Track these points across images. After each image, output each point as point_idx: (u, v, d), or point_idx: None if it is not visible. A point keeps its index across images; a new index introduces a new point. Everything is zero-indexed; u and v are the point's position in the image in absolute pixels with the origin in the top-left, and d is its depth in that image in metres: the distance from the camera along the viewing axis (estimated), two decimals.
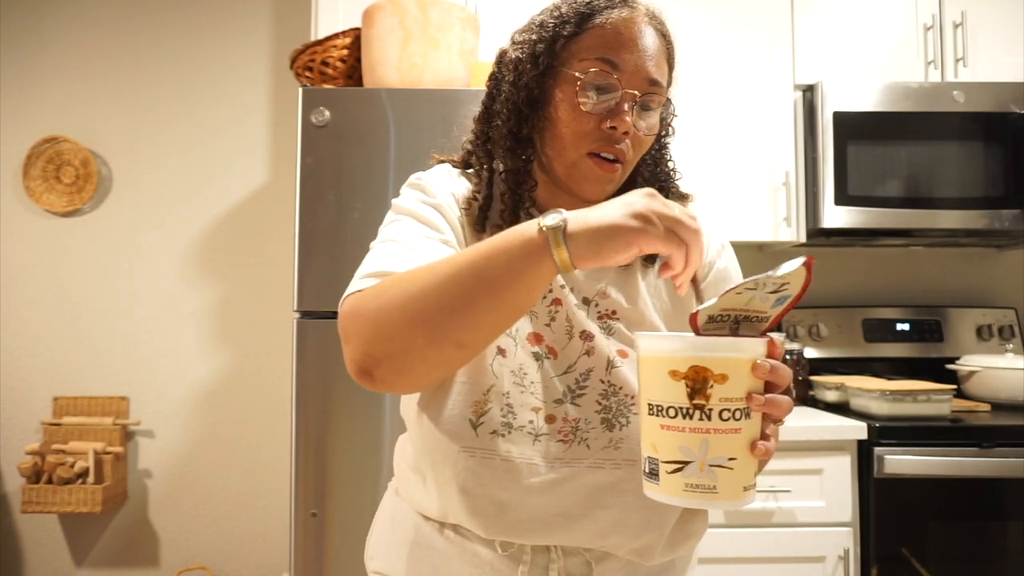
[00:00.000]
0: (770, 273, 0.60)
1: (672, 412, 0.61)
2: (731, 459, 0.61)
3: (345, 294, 0.74)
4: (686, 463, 0.61)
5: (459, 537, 0.83)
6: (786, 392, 0.65)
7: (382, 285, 0.70)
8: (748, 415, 0.61)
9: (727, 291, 0.61)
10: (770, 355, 0.62)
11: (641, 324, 0.83)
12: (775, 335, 0.65)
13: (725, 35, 2.16)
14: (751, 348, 0.61)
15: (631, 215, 0.63)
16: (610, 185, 0.83)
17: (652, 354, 0.63)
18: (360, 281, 0.74)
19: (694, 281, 0.88)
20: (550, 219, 0.64)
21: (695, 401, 0.60)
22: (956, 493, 1.74)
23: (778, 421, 0.64)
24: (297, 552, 1.72)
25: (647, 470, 0.64)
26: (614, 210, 0.64)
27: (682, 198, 0.92)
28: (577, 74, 0.80)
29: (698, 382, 0.60)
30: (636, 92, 0.80)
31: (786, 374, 0.63)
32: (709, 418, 0.60)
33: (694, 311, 0.62)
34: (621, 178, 0.84)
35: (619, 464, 0.78)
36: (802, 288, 0.63)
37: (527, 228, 0.65)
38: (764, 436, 0.63)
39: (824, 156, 2.08)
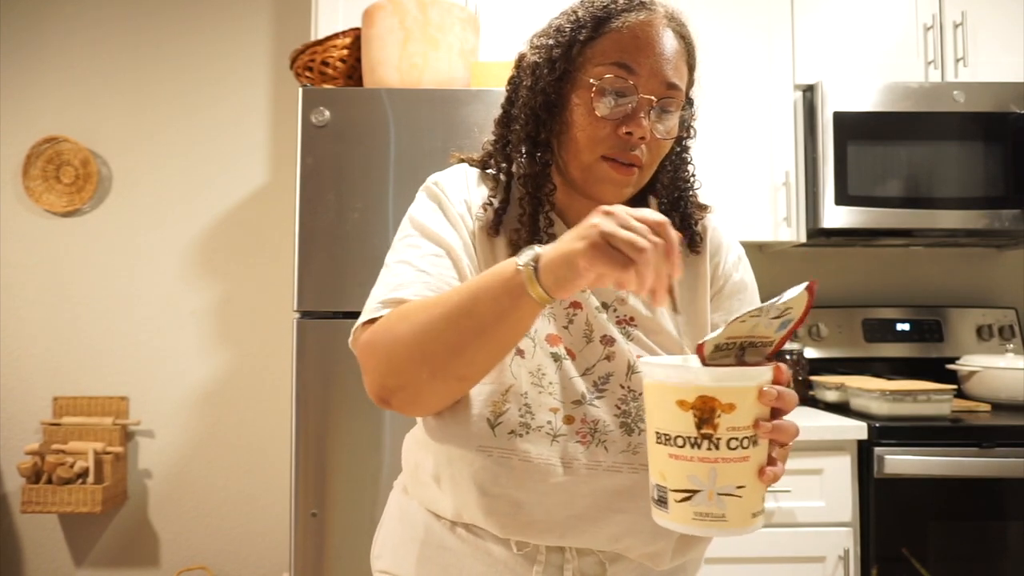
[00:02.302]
0: (774, 301, 0.60)
1: (680, 441, 0.61)
2: (740, 487, 0.61)
3: (361, 319, 0.79)
4: (695, 492, 0.61)
5: (472, 535, 0.83)
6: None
7: (391, 320, 0.76)
8: (756, 442, 0.62)
9: (732, 320, 0.61)
10: (776, 381, 0.63)
11: (659, 332, 0.83)
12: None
13: (725, 35, 2.16)
14: (758, 376, 0.62)
15: (579, 239, 0.64)
16: (628, 188, 0.82)
17: (659, 382, 0.63)
18: (374, 309, 0.78)
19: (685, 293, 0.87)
20: (524, 257, 0.67)
21: (703, 431, 0.60)
22: (956, 493, 1.74)
23: (784, 445, 0.65)
24: (297, 552, 1.72)
25: (656, 497, 0.64)
26: (570, 240, 0.65)
27: (700, 208, 0.91)
28: (592, 80, 0.79)
29: (706, 412, 0.60)
30: (653, 97, 0.79)
31: (792, 399, 0.63)
32: (717, 447, 0.60)
33: (700, 341, 0.63)
34: (639, 182, 0.83)
35: (636, 469, 0.78)
36: (804, 311, 0.64)
37: (506, 267, 0.68)
38: (771, 461, 0.63)
39: (824, 156, 2.08)
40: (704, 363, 0.63)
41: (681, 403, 0.61)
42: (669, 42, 0.80)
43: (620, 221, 0.62)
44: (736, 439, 0.60)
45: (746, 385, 0.61)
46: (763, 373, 0.62)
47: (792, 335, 0.66)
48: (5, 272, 2.49)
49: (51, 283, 2.50)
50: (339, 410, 1.73)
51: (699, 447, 0.60)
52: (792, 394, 0.63)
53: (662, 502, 0.63)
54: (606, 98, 0.79)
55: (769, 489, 1.75)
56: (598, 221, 0.63)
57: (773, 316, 0.62)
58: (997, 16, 2.16)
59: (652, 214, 0.63)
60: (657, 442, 0.63)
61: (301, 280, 1.75)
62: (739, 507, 0.61)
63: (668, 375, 0.62)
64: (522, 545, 0.80)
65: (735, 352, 0.64)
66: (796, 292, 0.60)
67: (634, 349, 0.82)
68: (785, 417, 0.65)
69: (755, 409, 0.61)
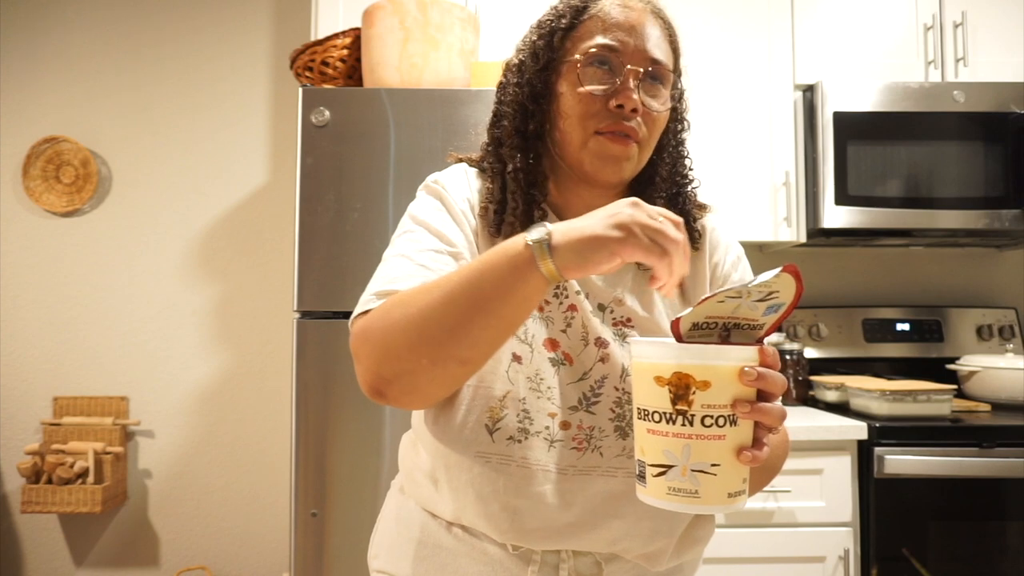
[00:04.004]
0: (747, 282, 0.61)
1: (657, 417, 0.62)
2: (714, 465, 0.61)
3: (355, 312, 0.76)
4: (669, 467, 0.62)
5: (468, 535, 0.83)
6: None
7: (386, 307, 0.72)
8: (734, 422, 0.61)
9: (704, 299, 0.61)
10: (762, 363, 0.62)
11: (656, 333, 0.83)
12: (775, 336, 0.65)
13: (725, 35, 2.16)
14: (737, 356, 0.62)
15: (613, 226, 0.63)
16: (628, 163, 0.82)
17: (640, 360, 0.64)
18: (369, 300, 0.75)
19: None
20: (535, 233, 0.65)
21: (678, 407, 0.61)
22: (956, 493, 1.74)
23: (772, 429, 0.64)
24: (297, 552, 1.72)
25: (637, 472, 0.65)
26: (597, 221, 0.64)
27: (700, 207, 0.91)
28: (577, 56, 0.80)
29: (681, 388, 0.61)
30: (639, 68, 0.79)
31: (777, 381, 0.62)
32: (691, 424, 0.61)
33: (675, 318, 0.63)
34: (639, 158, 0.83)
35: (631, 472, 0.78)
36: (795, 295, 0.63)
37: (514, 243, 0.66)
38: (759, 444, 0.63)
39: (824, 156, 2.08)
40: (680, 339, 0.63)
41: (658, 379, 0.62)
42: (650, 24, 0.82)
43: (649, 213, 0.64)
44: (711, 417, 0.61)
45: (722, 363, 0.61)
46: (743, 353, 0.62)
47: (784, 321, 0.66)
48: (5, 272, 2.50)
49: (51, 283, 2.50)
50: (339, 410, 1.73)
51: (674, 422, 0.61)
52: (778, 376, 0.62)
53: (642, 477, 0.64)
54: (591, 68, 0.80)
55: (769, 488, 1.76)
56: (632, 212, 0.64)
57: (756, 299, 0.62)
58: (997, 16, 2.16)
59: (670, 213, 0.66)
60: (638, 417, 0.64)
61: (301, 280, 1.75)
62: (713, 485, 0.61)
63: (648, 351, 0.63)
64: (517, 546, 0.80)
65: (719, 332, 0.64)
66: (769, 276, 0.60)
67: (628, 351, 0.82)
68: (779, 403, 0.64)
69: (733, 388, 0.61)
